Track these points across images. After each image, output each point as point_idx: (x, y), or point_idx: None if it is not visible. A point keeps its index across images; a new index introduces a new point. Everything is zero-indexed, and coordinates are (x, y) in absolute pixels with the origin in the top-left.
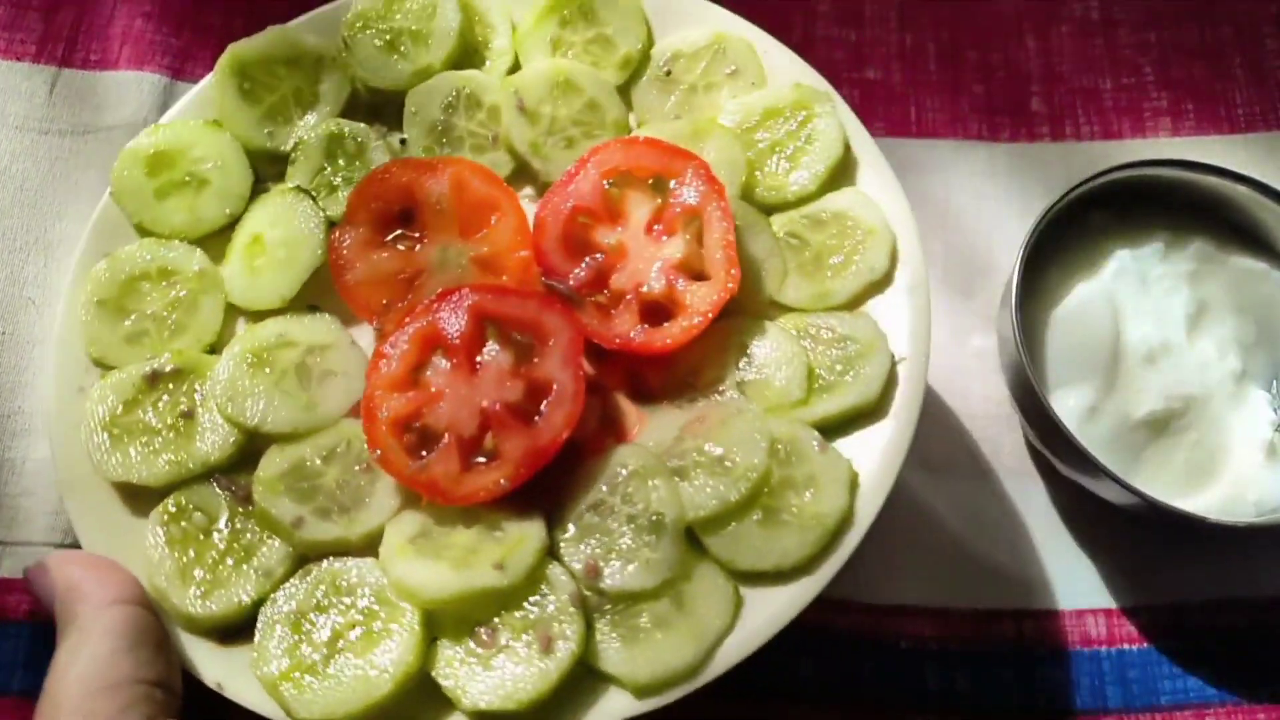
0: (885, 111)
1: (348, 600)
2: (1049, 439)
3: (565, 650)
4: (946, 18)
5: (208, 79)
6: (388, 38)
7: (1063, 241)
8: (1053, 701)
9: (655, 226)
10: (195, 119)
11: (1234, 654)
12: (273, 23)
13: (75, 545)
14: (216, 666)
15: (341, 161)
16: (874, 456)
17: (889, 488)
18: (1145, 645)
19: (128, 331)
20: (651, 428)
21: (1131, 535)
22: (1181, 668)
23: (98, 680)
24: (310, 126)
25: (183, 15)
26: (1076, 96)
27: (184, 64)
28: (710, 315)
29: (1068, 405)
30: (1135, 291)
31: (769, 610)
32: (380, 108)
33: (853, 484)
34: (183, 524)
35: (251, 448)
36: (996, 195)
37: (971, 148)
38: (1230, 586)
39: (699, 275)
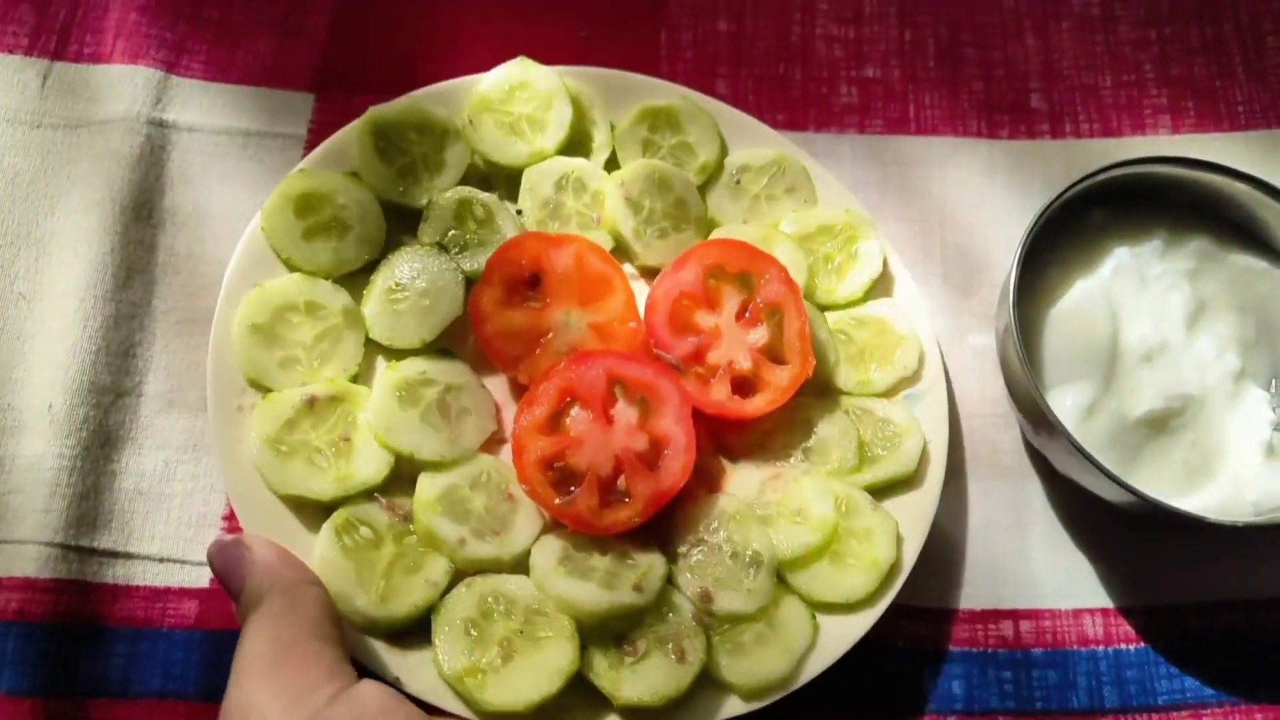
0: (884, 109)
1: (509, 610)
2: (1046, 438)
3: (695, 659)
4: (946, 15)
5: (341, 133)
6: (508, 120)
7: (1061, 239)
8: (1049, 701)
9: (744, 315)
10: (332, 168)
11: (1231, 655)
12: (272, 18)
13: (63, 544)
14: (393, 663)
15: (471, 224)
16: (911, 515)
17: (923, 540)
18: (1142, 645)
19: (280, 357)
20: (736, 481)
21: (1129, 535)
22: (1178, 668)
23: (316, 632)
24: (442, 189)
25: (178, 9)
26: (1076, 94)
27: (179, 58)
28: (790, 392)
29: (1065, 404)
30: (1134, 290)
31: (840, 633)
32: (492, 178)
33: (898, 537)
34: (354, 536)
35: (398, 472)
36: (995, 193)
37: (971, 145)
38: (1228, 587)
39: (777, 358)
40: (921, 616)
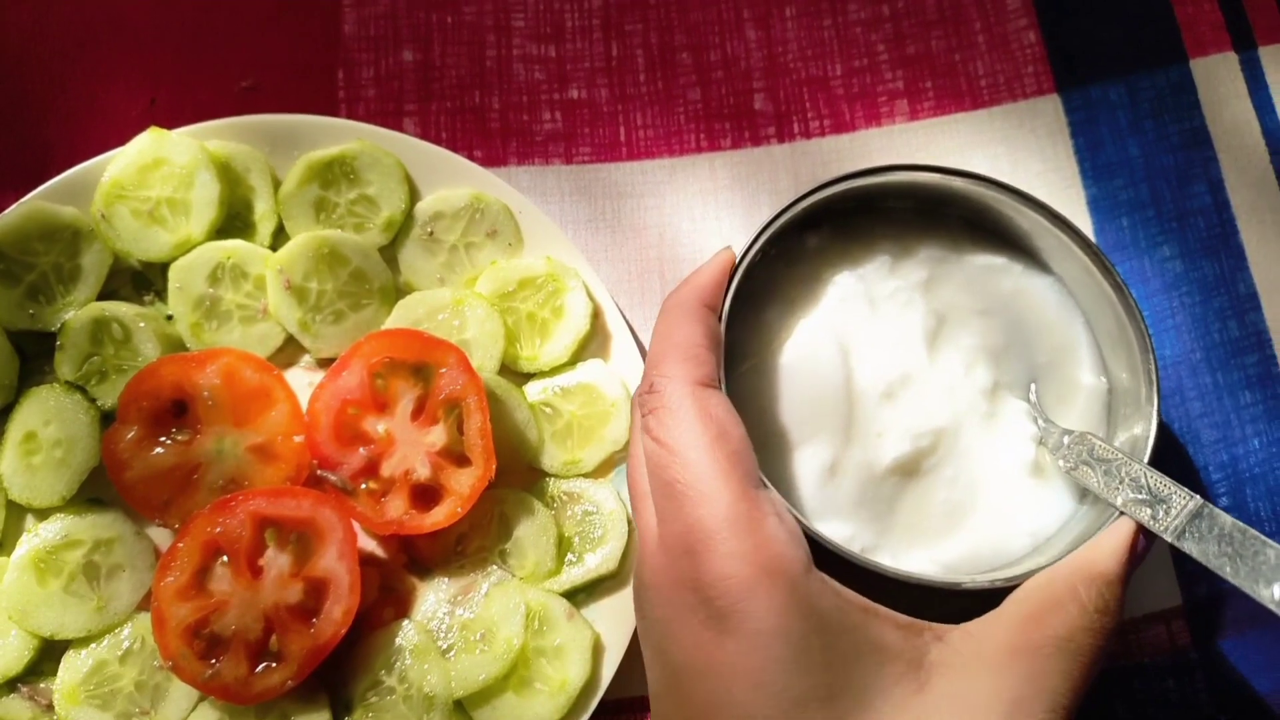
0: (592, 134)
1: None
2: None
3: None
4: (655, 19)
5: None
6: (147, 208)
7: (778, 274)
8: None
9: (421, 412)
10: None
11: None
12: None
13: None
14: None
15: (110, 349)
16: (614, 620)
17: (624, 648)
18: None
19: None
20: (426, 596)
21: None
22: None
23: None
24: (77, 304)
25: None
26: (804, 88)
27: None
28: (472, 500)
29: (805, 469)
30: (864, 318)
31: None
32: (149, 274)
33: (596, 649)
34: None
35: (48, 647)
36: (719, 214)
37: (689, 164)
38: None
39: (461, 458)
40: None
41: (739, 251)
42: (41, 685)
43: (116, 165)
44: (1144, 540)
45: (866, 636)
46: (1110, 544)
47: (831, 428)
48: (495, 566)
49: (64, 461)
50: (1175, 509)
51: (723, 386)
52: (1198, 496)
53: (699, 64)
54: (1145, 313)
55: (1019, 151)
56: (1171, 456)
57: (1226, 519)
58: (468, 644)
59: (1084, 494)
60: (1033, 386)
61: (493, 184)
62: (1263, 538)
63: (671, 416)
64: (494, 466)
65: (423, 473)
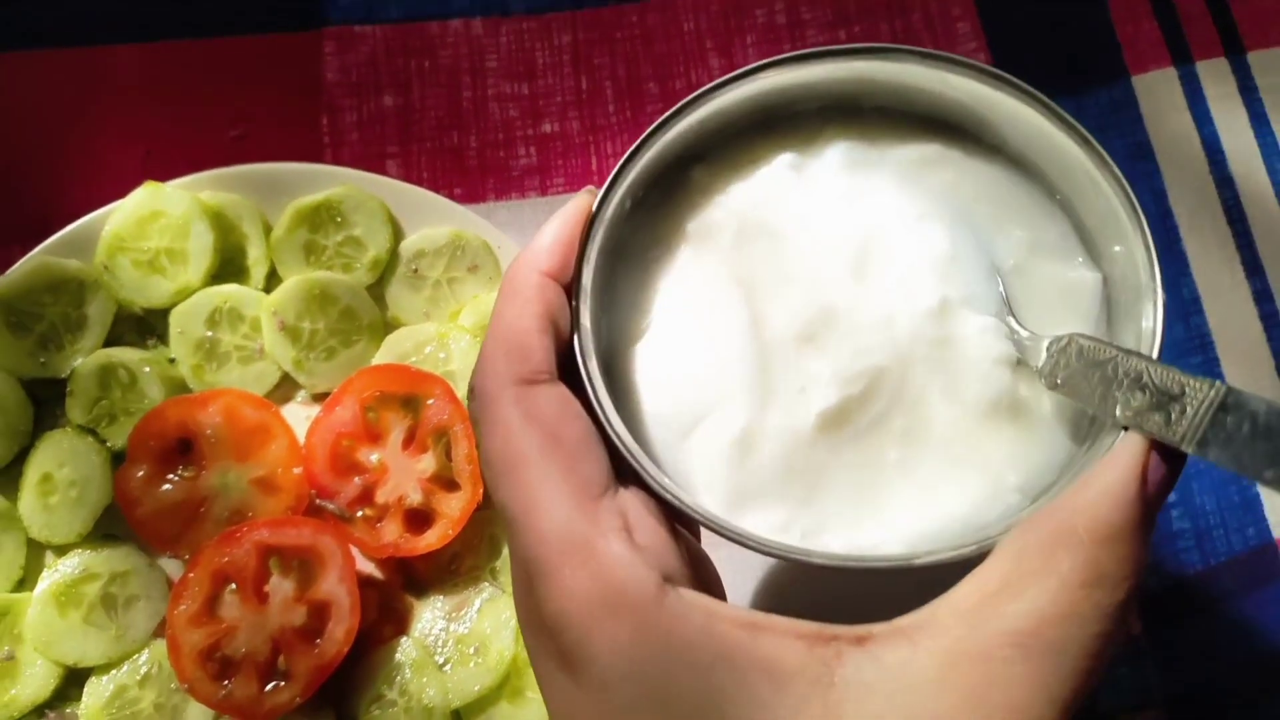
0: (565, 165)
1: None
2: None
3: None
4: (623, 53)
5: None
6: (146, 258)
7: (656, 221)
8: None
9: (412, 442)
10: None
11: None
12: None
13: None
14: None
15: (118, 392)
16: None
17: None
18: None
19: None
20: (423, 614)
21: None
22: None
23: None
24: (85, 351)
25: None
26: None
27: None
28: (462, 522)
29: (711, 447)
30: (768, 251)
31: None
32: (151, 320)
33: None
34: None
35: (71, 674)
36: None
37: None
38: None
39: (451, 484)
40: None
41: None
42: (68, 711)
43: (116, 219)
44: (1159, 465)
45: (752, 659)
46: (1110, 477)
47: (739, 389)
48: (487, 584)
49: (79, 500)
50: (1194, 405)
51: (588, 365)
52: (1220, 382)
53: (665, 92)
54: None
55: None
56: None
57: (1261, 405)
58: (463, 657)
59: (1087, 429)
60: (1000, 292)
61: (472, 221)
62: None
63: (491, 427)
64: (481, 489)
65: (415, 498)
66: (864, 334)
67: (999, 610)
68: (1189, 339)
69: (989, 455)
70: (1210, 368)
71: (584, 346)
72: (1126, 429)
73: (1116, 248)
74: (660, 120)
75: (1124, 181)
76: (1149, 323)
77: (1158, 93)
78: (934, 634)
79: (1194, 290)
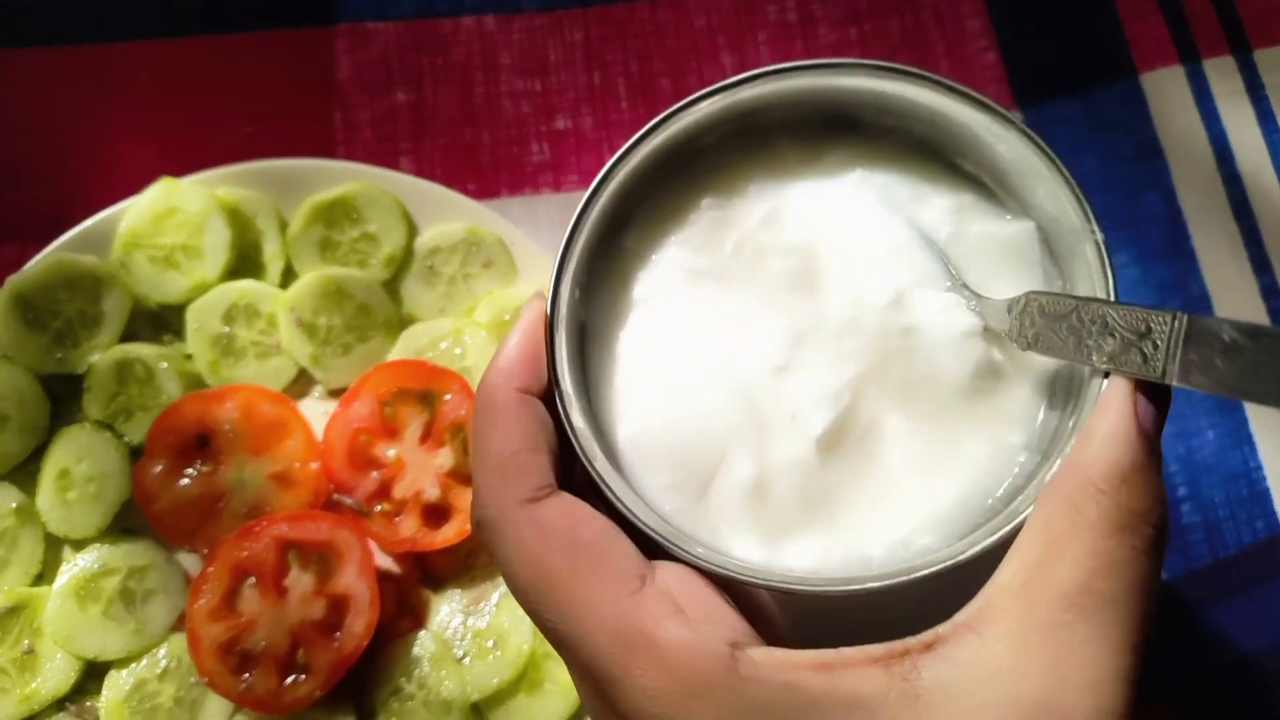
0: (578, 162)
1: None
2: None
3: None
4: (635, 48)
5: None
6: (163, 254)
7: (604, 298)
8: None
9: (429, 437)
10: None
11: None
12: None
13: None
14: None
15: (135, 388)
16: None
17: None
18: None
19: None
20: (440, 608)
21: None
22: None
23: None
24: (101, 347)
25: None
26: None
27: None
28: None
29: (729, 501)
30: (718, 294)
31: None
32: (166, 316)
33: None
34: None
35: (90, 668)
36: None
37: None
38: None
39: (468, 478)
40: None
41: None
42: (88, 704)
43: (132, 215)
44: (1147, 402)
45: (837, 700)
46: (1106, 424)
47: (736, 438)
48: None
49: (97, 495)
50: (1162, 340)
51: (595, 465)
52: (1181, 312)
53: (677, 88)
54: None
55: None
56: None
57: (1225, 326)
58: (481, 651)
59: (1068, 372)
60: (945, 264)
61: (487, 217)
62: (1271, 329)
63: (510, 554)
64: None
65: (432, 493)
66: (833, 345)
67: (1046, 580)
68: None
69: (987, 424)
70: None
71: (586, 448)
72: (1108, 374)
73: (1040, 192)
74: (585, 199)
75: (1030, 131)
76: (1096, 264)
77: (1165, 90)
78: (995, 619)
79: (1202, 287)
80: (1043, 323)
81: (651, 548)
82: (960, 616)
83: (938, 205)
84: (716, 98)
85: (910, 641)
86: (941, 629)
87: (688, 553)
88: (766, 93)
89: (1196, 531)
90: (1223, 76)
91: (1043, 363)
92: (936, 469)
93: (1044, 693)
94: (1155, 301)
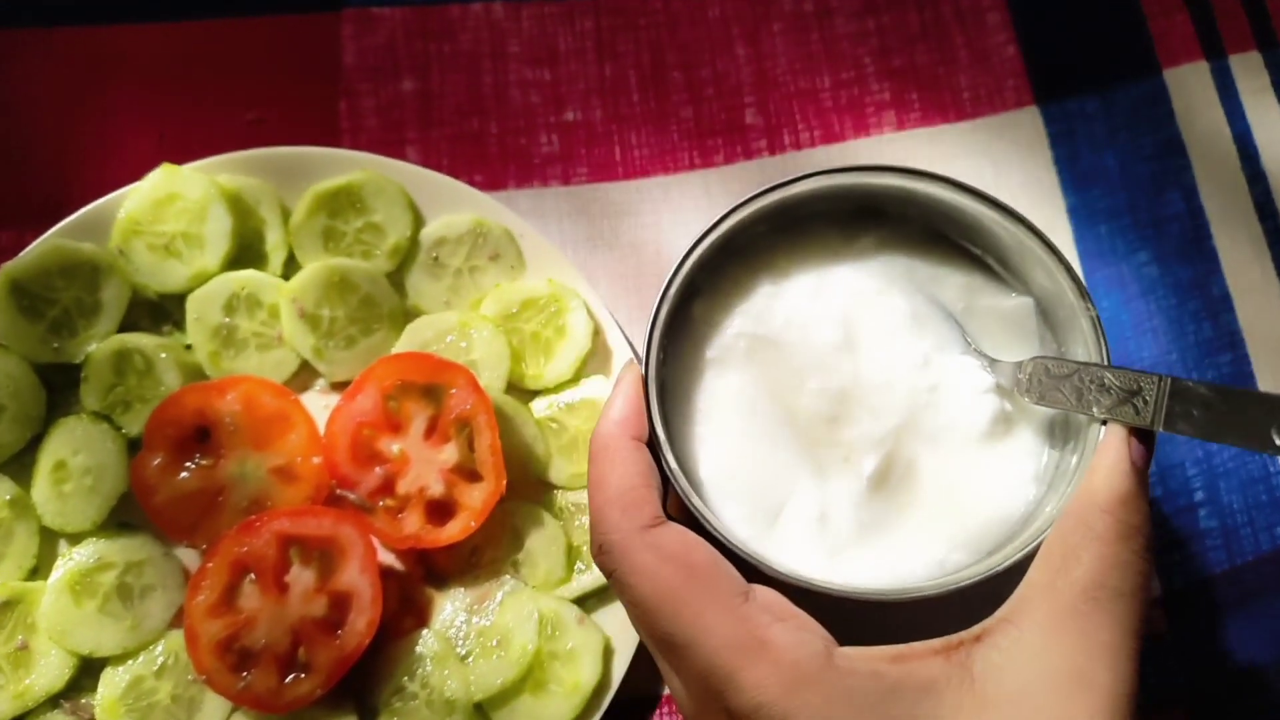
0: (588, 155)
1: None
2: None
3: None
4: (647, 40)
5: None
6: (163, 242)
7: (684, 363)
8: None
9: (434, 432)
10: None
11: None
12: None
13: None
14: None
15: (132, 379)
16: (623, 623)
17: (634, 649)
18: None
19: None
20: (444, 606)
21: None
22: None
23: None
24: (99, 337)
25: None
26: (794, 101)
27: None
28: (484, 513)
29: (800, 527)
30: (774, 358)
31: None
32: (166, 306)
33: (607, 651)
34: None
35: (86, 664)
36: None
37: (684, 180)
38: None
39: (473, 474)
40: (665, 705)
41: (642, 359)
42: (83, 700)
43: (132, 201)
44: (1138, 444)
45: (912, 685)
46: (1107, 462)
47: (799, 477)
48: (509, 576)
49: (94, 488)
50: (1151, 396)
51: (694, 502)
52: (1165, 375)
53: (690, 81)
54: (1124, 317)
55: (1000, 162)
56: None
57: (1200, 387)
58: (485, 650)
59: (1063, 424)
60: (959, 332)
61: (494, 209)
62: (1242, 390)
63: (632, 573)
64: (504, 481)
65: (437, 489)
66: (873, 399)
67: (1068, 578)
68: (1218, 337)
69: (1002, 462)
70: (1240, 365)
71: (683, 486)
72: (1105, 422)
73: (1038, 272)
74: (668, 278)
75: (1031, 222)
76: (1091, 335)
77: (1189, 87)
78: (1029, 612)
79: (1224, 287)
80: (1048, 382)
81: (741, 567)
82: (1000, 613)
83: (952, 283)
84: (770, 195)
85: (963, 635)
86: (986, 623)
87: (779, 571)
88: (809, 189)
89: (1214, 536)
90: (1249, 73)
91: (1044, 412)
92: (963, 499)
93: (1074, 666)
94: (1174, 303)
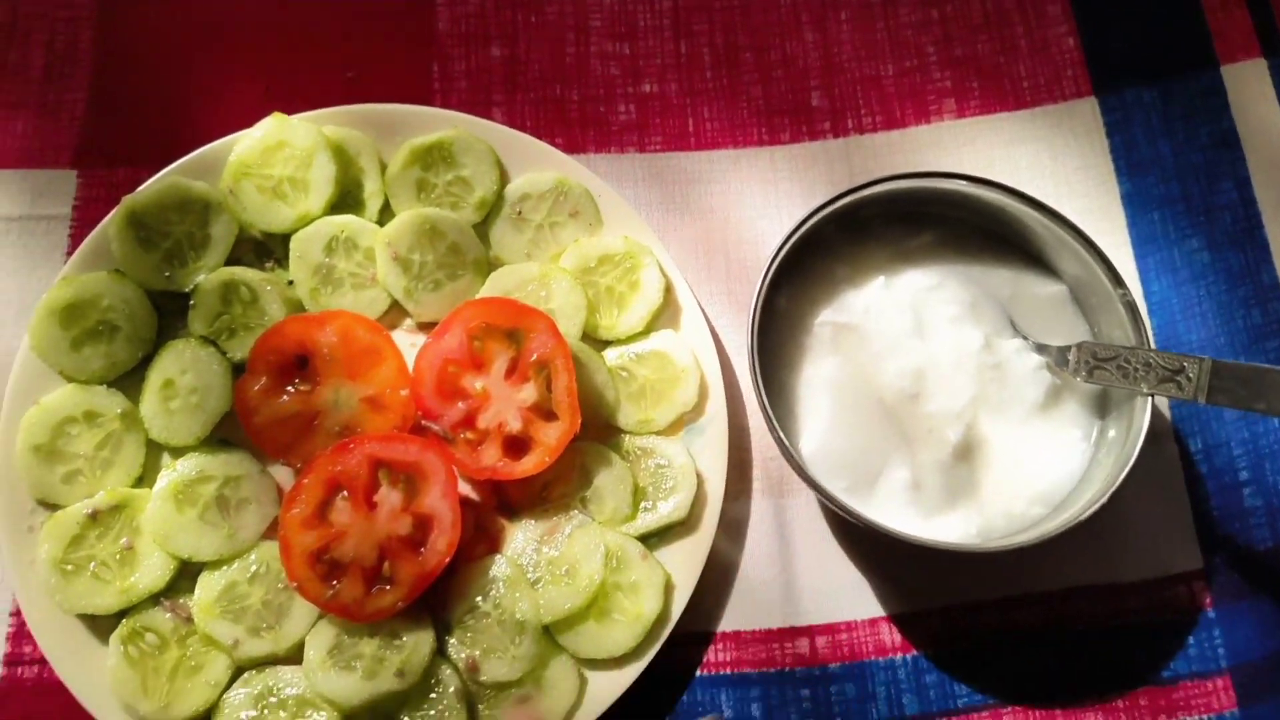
0: (663, 125)
1: (283, 704)
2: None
3: None
4: (722, 21)
5: (101, 228)
6: (270, 185)
7: (778, 372)
8: (849, 716)
9: (514, 372)
10: (96, 269)
11: (1028, 651)
12: (28, 98)
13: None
14: None
15: (238, 309)
16: (685, 560)
17: (693, 587)
18: (941, 649)
19: (64, 473)
20: (515, 536)
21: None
22: (977, 669)
23: None
24: (207, 268)
25: None
26: (858, 86)
27: None
28: (558, 450)
29: (897, 494)
30: (856, 345)
31: (608, 686)
32: (269, 243)
33: (667, 587)
34: (139, 645)
35: (184, 567)
36: (779, 202)
37: (752, 155)
38: (1023, 583)
39: (549, 414)
40: (719, 641)
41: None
42: (181, 601)
43: (243, 145)
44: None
45: None
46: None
47: (892, 447)
48: (577, 511)
49: (199, 406)
50: (1194, 375)
51: (824, 487)
52: (1204, 356)
53: (761, 63)
54: (1174, 301)
55: (1058, 150)
56: (1196, 431)
57: (1239, 365)
58: (554, 577)
59: (1101, 397)
60: (1008, 317)
61: (575, 169)
62: (1271, 367)
63: None
64: (579, 421)
65: (515, 425)
66: (949, 379)
67: None
68: (1267, 324)
69: (1056, 427)
70: None
71: (808, 475)
72: (1151, 395)
73: (1072, 264)
74: (763, 276)
75: (1070, 220)
76: (1128, 317)
77: (1246, 82)
78: None
79: (1274, 276)
80: (1095, 362)
81: (853, 531)
82: None
83: (998, 274)
84: (838, 202)
85: None
86: None
87: (895, 533)
88: (874, 194)
89: (1259, 515)
90: None
91: (1085, 387)
92: (1031, 461)
93: None
94: (1224, 289)
